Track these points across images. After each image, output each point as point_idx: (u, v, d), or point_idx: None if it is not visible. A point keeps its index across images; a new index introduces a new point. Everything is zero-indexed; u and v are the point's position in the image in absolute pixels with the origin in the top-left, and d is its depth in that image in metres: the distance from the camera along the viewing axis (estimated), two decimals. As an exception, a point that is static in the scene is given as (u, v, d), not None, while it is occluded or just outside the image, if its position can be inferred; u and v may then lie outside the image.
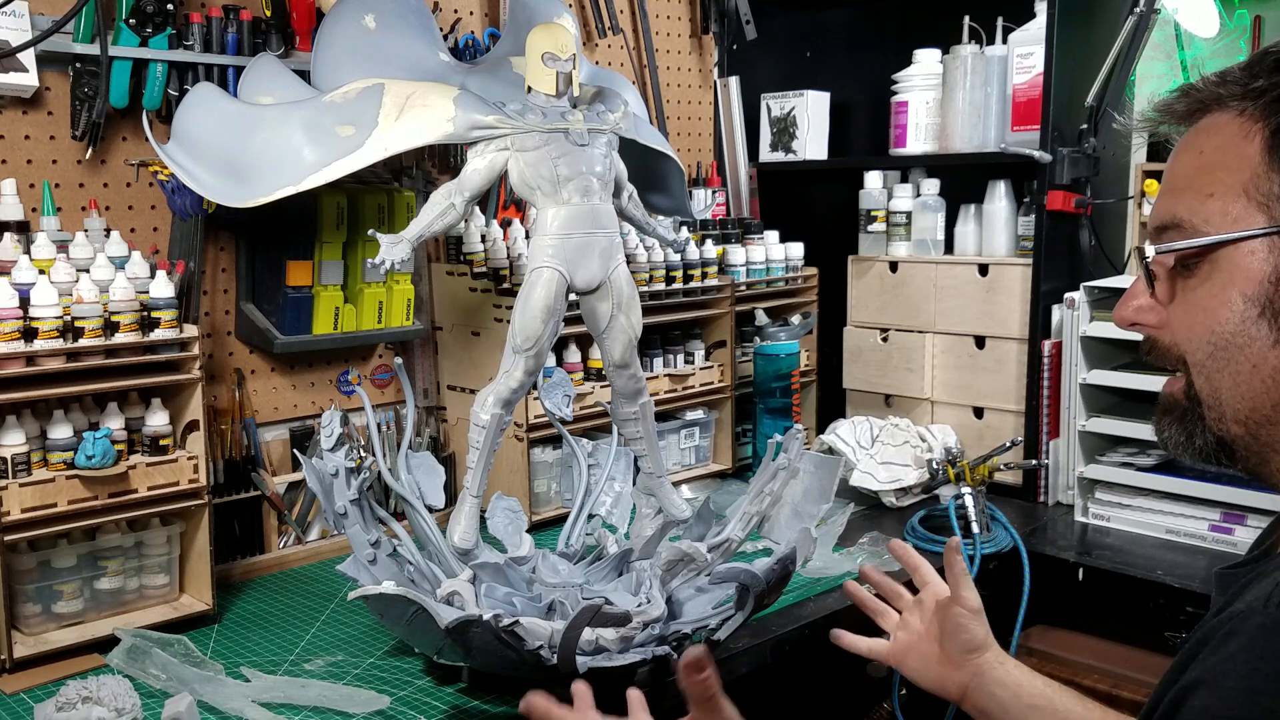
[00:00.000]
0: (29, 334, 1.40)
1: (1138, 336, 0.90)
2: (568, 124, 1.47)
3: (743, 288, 2.28)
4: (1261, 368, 0.78)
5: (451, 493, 1.88)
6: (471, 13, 2.14)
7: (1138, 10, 2.01)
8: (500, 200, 2.13)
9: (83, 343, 1.43)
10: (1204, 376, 0.81)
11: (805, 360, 2.36)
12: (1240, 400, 0.80)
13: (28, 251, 1.48)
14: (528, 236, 1.99)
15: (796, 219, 2.55)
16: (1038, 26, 2.15)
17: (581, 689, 1.10)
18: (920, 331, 2.34)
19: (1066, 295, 2.06)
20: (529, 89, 1.50)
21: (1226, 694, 0.68)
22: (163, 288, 1.48)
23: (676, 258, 2.12)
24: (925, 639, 1.26)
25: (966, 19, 2.32)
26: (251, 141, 1.47)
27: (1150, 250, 0.83)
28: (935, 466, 2.08)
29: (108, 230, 1.61)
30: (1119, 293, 2.11)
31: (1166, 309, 0.84)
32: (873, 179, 2.42)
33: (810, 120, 2.58)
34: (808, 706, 1.84)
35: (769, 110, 2.64)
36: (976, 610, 1.20)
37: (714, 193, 2.53)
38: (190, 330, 1.51)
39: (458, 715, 1.32)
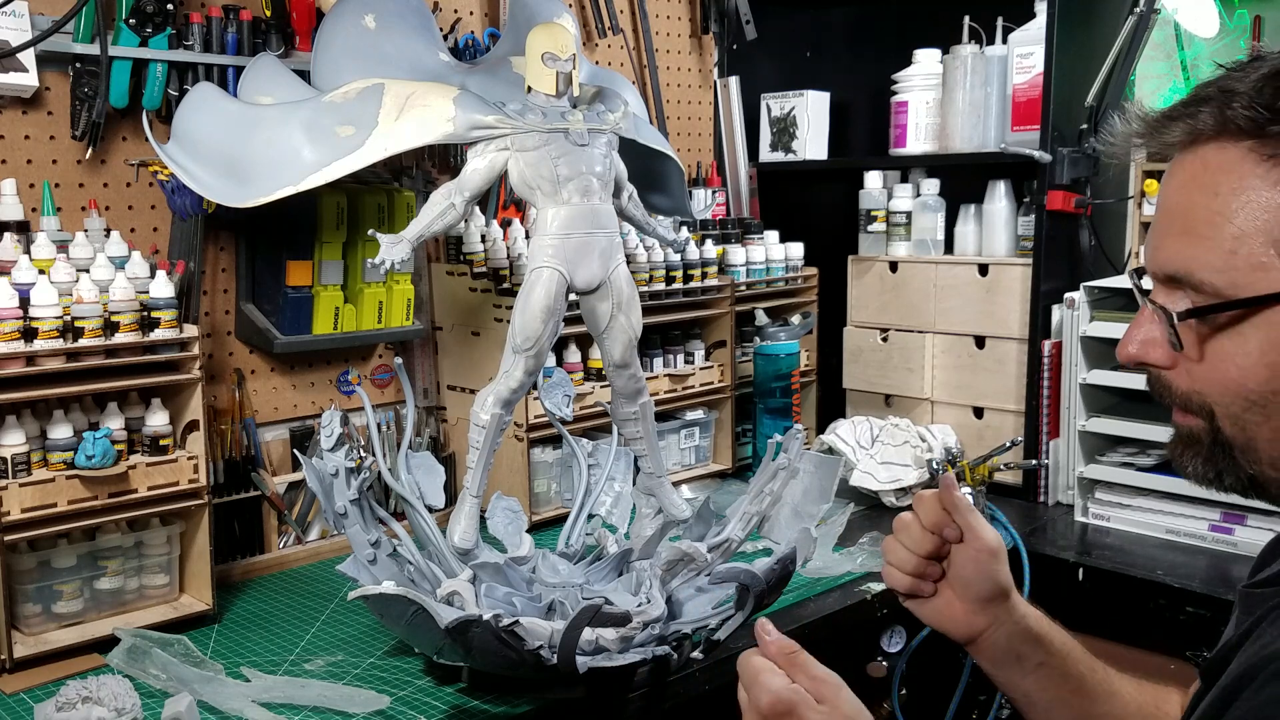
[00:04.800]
0: (29, 334, 1.40)
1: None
2: (568, 124, 1.47)
3: (743, 288, 2.28)
4: None
5: (451, 493, 1.88)
6: (471, 13, 2.14)
7: (1138, 10, 2.01)
8: (500, 200, 2.13)
9: (83, 343, 1.43)
10: (1238, 427, 0.78)
11: (805, 360, 2.36)
12: (1279, 449, 0.77)
13: (28, 251, 1.48)
14: (528, 236, 1.99)
15: (796, 219, 2.54)
16: (1038, 26, 2.15)
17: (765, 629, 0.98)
18: (920, 331, 2.34)
19: (1066, 295, 2.06)
20: (529, 89, 1.50)
21: None
22: (163, 288, 1.48)
23: (676, 258, 2.12)
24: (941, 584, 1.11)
25: (966, 19, 2.32)
26: (251, 141, 1.47)
27: (1173, 311, 0.78)
28: (935, 466, 2.08)
29: (108, 230, 1.61)
30: (1119, 293, 2.13)
31: (1181, 353, 0.80)
32: (873, 179, 2.42)
33: (810, 120, 2.58)
34: (808, 706, 1.84)
35: (769, 110, 2.64)
36: (996, 550, 1.07)
37: (714, 193, 2.53)
38: (190, 330, 1.51)
39: (458, 715, 1.32)
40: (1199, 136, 0.77)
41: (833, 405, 2.50)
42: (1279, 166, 0.72)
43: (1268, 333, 0.74)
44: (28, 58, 1.58)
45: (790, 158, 2.61)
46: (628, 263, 1.56)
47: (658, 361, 2.17)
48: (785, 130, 2.61)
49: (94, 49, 1.61)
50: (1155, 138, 0.80)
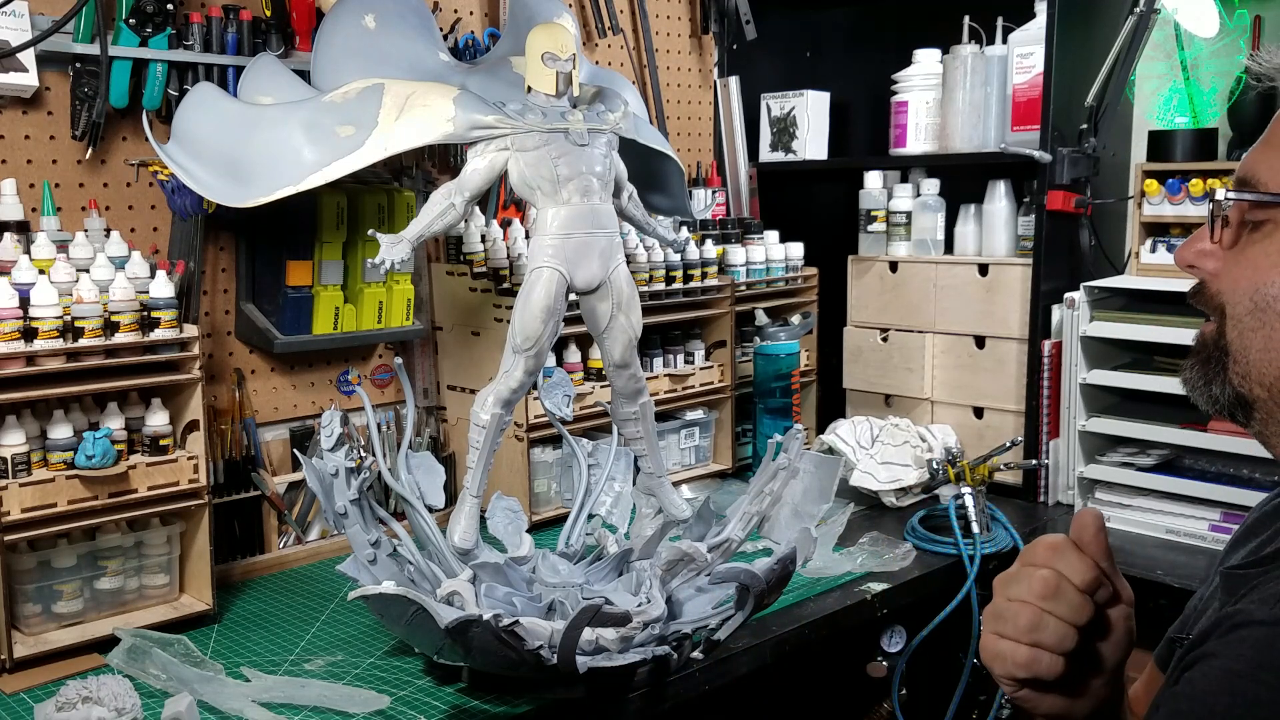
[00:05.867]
0: (29, 334, 1.40)
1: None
2: (568, 124, 1.47)
3: (743, 288, 2.28)
4: None
5: (451, 493, 1.88)
6: (471, 13, 2.14)
7: (1138, 10, 2.00)
8: (500, 200, 2.13)
9: (83, 343, 1.43)
10: (1238, 331, 0.81)
11: (805, 360, 2.36)
12: (1267, 364, 0.79)
13: (28, 251, 1.48)
14: (528, 236, 1.99)
15: (796, 219, 2.54)
16: (1038, 26, 2.15)
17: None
18: (920, 331, 2.34)
19: (1066, 295, 2.06)
20: (529, 89, 1.50)
21: (1212, 671, 0.69)
22: (163, 288, 1.48)
23: (676, 258, 2.12)
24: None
25: (966, 19, 2.32)
26: (251, 141, 1.47)
27: (1220, 194, 0.82)
28: (935, 466, 2.08)
29: (108, 230, 1.61)
30: (1119, 293, 2.13)
31: (1224, 258, 0.83)
32: (873, 179, 2.42)
33: (810, 120, 2.58)
34: (808, 706, 1.84)
35: (769, 110, 2.64)
36: (1132, 600, 0.91)
37: (714, 193, 2.53)
38: (190, 330, 1.51)
39: (458, 715, 1.32)
40: None
41: (833, 405, 2.50)
42: None
43: None
44: (28, 58, 1.58)
45: (790, 158, 2.61)
46: (628, 263, 1.56)
47: (658, 361, 2.17)
48: (785, 130, 2.61)
49: (94, 49, 1.61)
50: None
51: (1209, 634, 0.74)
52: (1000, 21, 2.28)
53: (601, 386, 2.01)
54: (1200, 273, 0.85)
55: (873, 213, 2.41)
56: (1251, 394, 0.81)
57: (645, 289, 2.03)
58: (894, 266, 2.37)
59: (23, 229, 1.55)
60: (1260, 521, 0.90)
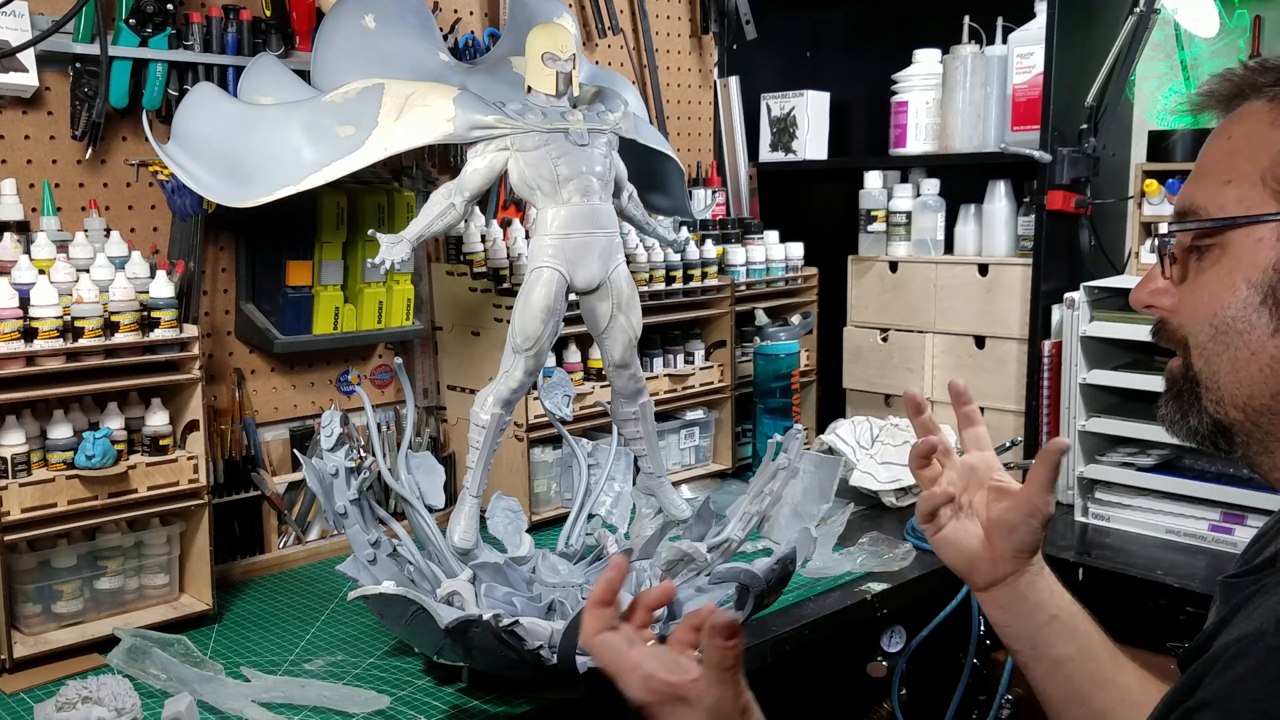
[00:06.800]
0: (29, 334, 1.40)
1: (1143, 333, 0.91)
2: (568, 124, 1.47)
3: (743, 288, 2.28)
4: (1260, 355, 0.78)
5: (451, 493, 1.88)
6: (471, 13, 2.14)
7: (1138, 10, 2.00)
8: (500, 200, 2.13)
9: (83, 343, 1.43)
10: (1204, 358, 0.82)
11: (805, 360, 2.36)
12: (1238, 386, 0.80)
13: (28, 251, 1.48)
14: (528, 236, 1.99)
15: (796, 219, 2.54)
16: (1038, 26, 2.15)
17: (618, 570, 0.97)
18: (920, 331, 2.34)
19: (1066, 295, 2.06)
20: (529, 89, 1.50)
21: (1235, 717, 0.67)
22: (163, 288, 1.48)
23: (676, 258, 2.12)
24: (968, 518, 1.13)
25: (966, 19, 2.32)
26: (251, 141, 1.47)
27: (1163, 229, 0.84)
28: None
29: (108, 230, 1.61)
30: (1119, 293, 2.13)
31: (1178, 291, 0.85)
32: (873, 179, 2.42)
33: (810, 120, 2.58)
34: (808, 706, 1.84)
35: (769, 110, 2.64)
36: (1050, 517, 1.11)
37: (714, 193, 2.53)
38: (190, 330, 1.51)
39: (458, 715, 1.32)
40: (1236, 93, 0.83)
41: (833, 405, 2.50)
42: (1279, 107, 0.78)
43: (1238, 259, 0.79)
44: (28, 58, 1.58)
45: (790, 158, 2.61)
46: (628, 263, 1.56)
47: (658, 361, 2.17)
48: (785, 130, 2.61)
49: (94, 49, 1.61)
50: (1208, 96, 0.86)
51: (1203, 671, 0.72)
52: (1000, 21, 2.28)
53: (601, 386, 2.01)
54: (1158, 311, 0.87)
55: (873, 213, 2.41)
56: (1229, 418, 0.82)
57: (645, 289, 2.03)
58: (894, 266, 2.37)
59: (23, 229, 1.55)
60: (1266, 529, 0.90)
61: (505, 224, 2.05)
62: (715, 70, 2.62)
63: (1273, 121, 0.78)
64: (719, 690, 0.89)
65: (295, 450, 1.86)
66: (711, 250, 2.23)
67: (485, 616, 1.21)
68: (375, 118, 1.45)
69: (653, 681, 0.92)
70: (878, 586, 1.71)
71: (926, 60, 2.35)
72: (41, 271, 1.43)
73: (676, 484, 1.85)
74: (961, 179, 2.36)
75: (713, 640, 0.88)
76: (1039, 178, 2.09)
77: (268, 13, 1.76)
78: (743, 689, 0.90)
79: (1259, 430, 0.81)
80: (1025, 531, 1.10)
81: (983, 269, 2.24)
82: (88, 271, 1.47)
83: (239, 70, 1.69)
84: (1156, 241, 0.86)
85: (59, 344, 1.41)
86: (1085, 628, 1.09)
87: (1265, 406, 0.79)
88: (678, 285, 2.14)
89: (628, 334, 1.52)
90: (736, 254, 2.28)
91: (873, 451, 2.13)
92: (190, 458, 1.54)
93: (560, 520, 1.76)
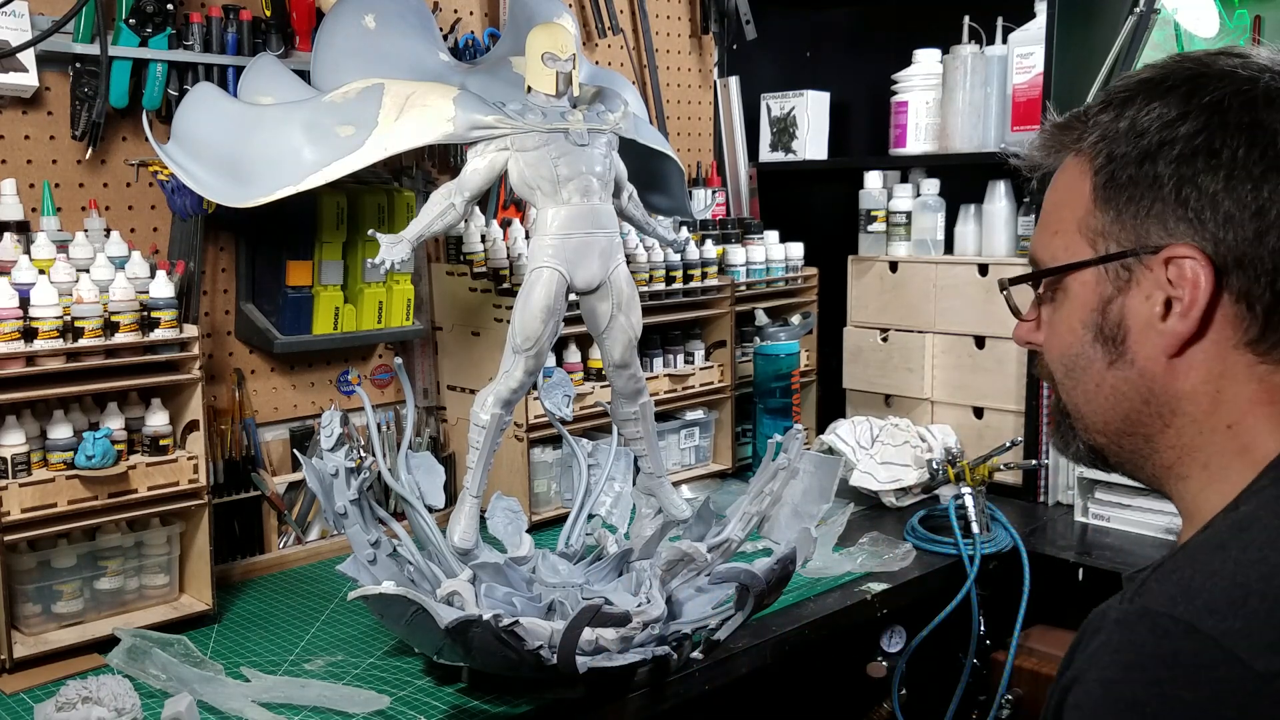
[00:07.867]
0: (29, 334, 1.40)
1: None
2: (568, 124, 1.47)
3: (743, 288, 2.28)
4: (1103, 386, 0.85)
5: (451, 493, 1.88)
6: (471, 13, 2.14)
7: (1138, 10, 2.01)
8: (500, 200, 2.13)
9: (83, 343, 1.43)
10: (1065, 392, 0.90)
11: (805, 360, 2.36)
12: (1095, 415, 0.87)
13: (28, 251, 1.48)
14: (528, 236, 1.99)
15: (796, 219, 2.54)
16: (1038, 26, 2.15)
17: None
18: (920, 331, 2.34)
19: (1066, 295, 2.06)
20: (529, 89, 1.50)
21: (1091, 687, 0.71)
22: (163, 288, 1.48)
23: (676, 258, 2.12)
24: None
25: (966, 19, 2.32)
26: (251, 141, 1.47)
27: (1003, 279, 0.94)
28: (935, 466, 2.08)
29: (108, 230, 1.61)
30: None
31: (1042, 331, 0.92)
32: (873, 179, 2.42)
33: (810, 120, 2.58)
34: (808, 706, 1.84)
35: (769, 110, 2.64)
36: None
37: (714, 193, 2.53)
38: (190, 330, 1.51)
39: (458, 715, 1.32)
40: (1058, 148, 0.89)
41: (833, 405, 2.50)
42: (1089, 161, 0.83)
43: (1074, 300, 0.86)
44: (28, 58, 1.58)
45: (790, 158, 2.61)
46: (628, 263, 1.56)
47: (658, 361, 2.17)
48: (785, 130, 2.61)
49: (94, 49, 1.61)
50: (1033, 152, 0.92)
51: (1074, 650, 0.76)
52: (1000, 21, 2.28)
53: (601, 386, 2.01)
54: (1035, 347, 0.94)
55: (873, 213, 2.41)
56: (1096, 443, 0.89)
57: (645, 289, 2.03)
58: (894, 266, 2.37)
59: (23, 229, 1.55)
60: None
61: (505, 224, 2.05)
62: (715, 70, 2.62)
63: (1083, 173, 0.84)
64: None
65: (295, 450, 1.86)
66: (711, 250, 2.23)
67: (485, 616, 1.21)
68: (375, 118, 1.45)
69: None
70: (878, 586, 1.71)
71: (926, 60, 2.35)
72: (41, 271, 1.43)
73: (676, 484, 1.85)
74: (961, 179, 2.36)
75: None
76: (1039, 178, 2.09)
77: (268, 13, 1.76)
78: None
79: (1124, 450, 0.87)
80: None
81: (983, 269, 2.24)
82: (88, 271, 1.47)
83: (239, 70, 1.69)
84: (1001, 290, 0.95)
85: (59, 344, 1.41)
86: None
87: (1120, 430, 0.86)
88: (678, 285, 2.14)
89: (628, 334, 1.52)
90: (736, 254, 2.28)
91: (873, 451, 2.13)
92: (190, 458, 1.54)
93: (560, 520, 1.76)
